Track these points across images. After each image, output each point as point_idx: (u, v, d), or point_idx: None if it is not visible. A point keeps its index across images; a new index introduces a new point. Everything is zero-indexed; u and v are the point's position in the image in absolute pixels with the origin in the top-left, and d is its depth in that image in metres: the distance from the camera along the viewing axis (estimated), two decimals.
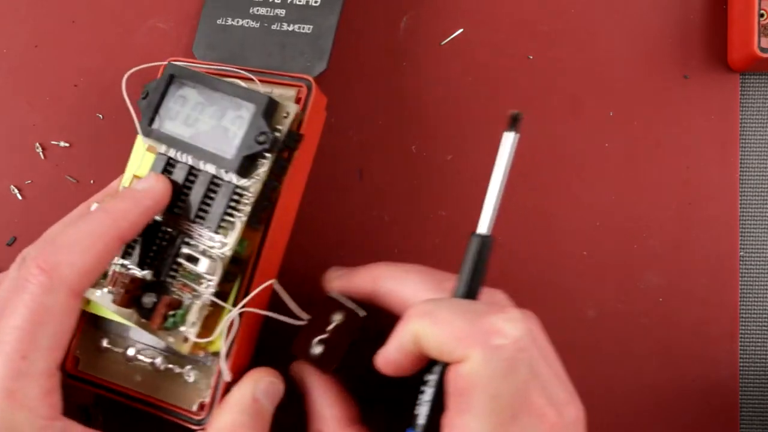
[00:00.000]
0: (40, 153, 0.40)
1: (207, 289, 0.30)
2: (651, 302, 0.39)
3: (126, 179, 0.34)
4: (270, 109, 0.31)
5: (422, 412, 0.28)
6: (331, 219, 0.39)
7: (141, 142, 0.34)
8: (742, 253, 0.39)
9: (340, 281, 0.33)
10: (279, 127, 0.31)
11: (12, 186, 0.40)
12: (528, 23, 0.40)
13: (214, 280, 0.30)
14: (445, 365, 0.27)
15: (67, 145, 0.40)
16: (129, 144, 0.34)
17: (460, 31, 0.40)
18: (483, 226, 0.27)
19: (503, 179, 0.28)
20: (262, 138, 0.30)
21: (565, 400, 0.27)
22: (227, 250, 0.31)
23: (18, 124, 0.40)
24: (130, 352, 0.33)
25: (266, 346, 0.35)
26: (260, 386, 0.31)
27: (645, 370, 0.39)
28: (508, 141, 0.28)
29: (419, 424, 0.28)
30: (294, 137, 0.32)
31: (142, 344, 0.33)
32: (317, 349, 0.32)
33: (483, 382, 0.26)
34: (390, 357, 0.29)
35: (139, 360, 0.33)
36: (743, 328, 0.39)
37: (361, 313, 0.32)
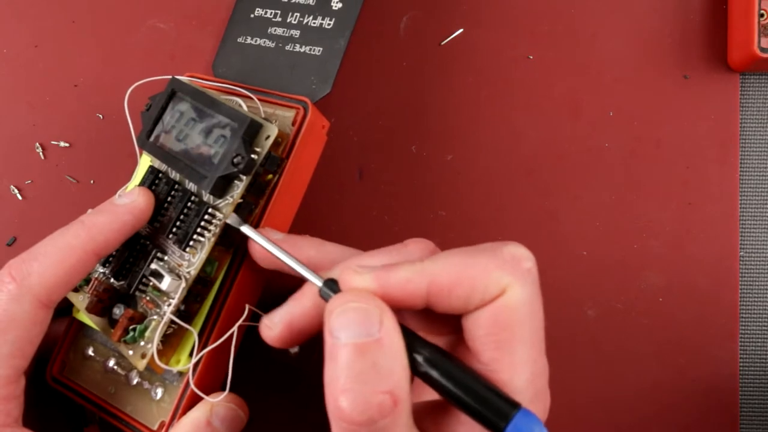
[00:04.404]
0: (40, 153, 0.40)
1: (169, 308, 0.30)
2: (651, 302, 0.39)
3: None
4: (251, 131, 0.30)
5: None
6: (331, 219, 0.39)
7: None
8: (742, 253, 0.39)
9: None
10: (257, 149, 0.30)
11: (12, 186, 0.40)
12: (528, 23, 0.40)
13: (175, 299, 0.30)
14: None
15: (67, 145, 0.40)
16: (129, 144, 0.34)
17: (460, 31, 0.40)
18: (317, 281, 0.27)
19: (280, 251, 0.29)
20: (237, 160, 0.30)
21: None
22: (192, 270, 0.30)
23: (18, 124, 0.40)
24: (110, 363, 0.33)
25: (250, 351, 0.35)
26: (217, 410, 0.30)
27: (645, 370, 0.39)
28: (250, 231, 0.30)
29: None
30: (275, 161, 0.31)
31: (121, 356, 0.33)
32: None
33: (526, 308, 0.25)
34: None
35: (116, 372, 0.33)
36: (743, 328, 0.39)
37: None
